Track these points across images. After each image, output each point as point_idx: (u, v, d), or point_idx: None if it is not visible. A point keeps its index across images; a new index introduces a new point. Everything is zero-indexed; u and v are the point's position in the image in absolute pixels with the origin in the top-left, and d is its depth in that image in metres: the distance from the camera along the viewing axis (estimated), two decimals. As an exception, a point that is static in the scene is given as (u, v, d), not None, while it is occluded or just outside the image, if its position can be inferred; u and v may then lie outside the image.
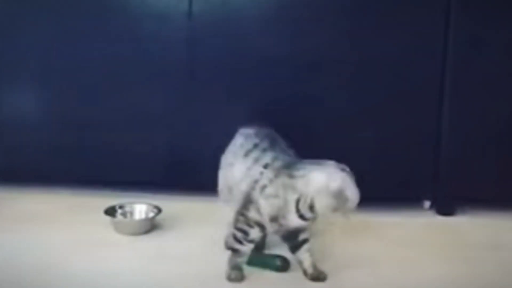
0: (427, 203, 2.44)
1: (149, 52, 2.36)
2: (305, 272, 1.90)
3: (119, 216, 2.23)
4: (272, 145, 1.90)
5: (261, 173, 1.83)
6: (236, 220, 1.86)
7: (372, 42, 2.30)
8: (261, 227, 1.85)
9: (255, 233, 1.86)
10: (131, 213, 2.26)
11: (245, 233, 1.85)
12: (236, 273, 1.88)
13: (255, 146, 1.89)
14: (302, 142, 2.33)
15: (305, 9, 2.30)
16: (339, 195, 1.75)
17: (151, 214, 2.23)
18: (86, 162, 2.46)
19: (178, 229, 2.19)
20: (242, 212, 1.85)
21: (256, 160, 1.86)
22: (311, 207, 1.78)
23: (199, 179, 2.30)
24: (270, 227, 1.85)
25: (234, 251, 1.88)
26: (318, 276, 1.89)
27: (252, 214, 1.84)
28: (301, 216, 1.80)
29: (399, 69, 2.31)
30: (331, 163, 1.80)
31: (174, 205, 2.05)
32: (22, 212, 2.33)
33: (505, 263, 2.04)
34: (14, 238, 2.09)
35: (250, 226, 1.85)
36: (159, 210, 2.23)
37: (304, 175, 1.79)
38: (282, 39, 2.33)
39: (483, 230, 2.27)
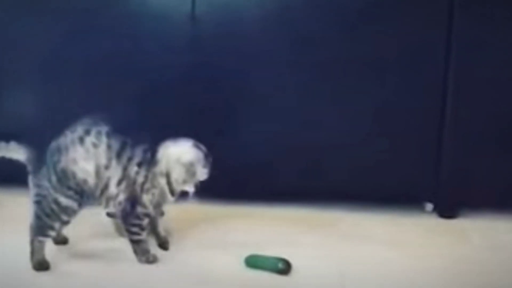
0: (429, 206, 2.44)
1: (151, 54, 2.37)
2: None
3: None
4: (135, 139, 1.95)
5: (137, 173, 1.92)
6: (130, 225, 1.96)
7: (374, 44, 2.30)
8: (148, 216, 1.96)
9: (145, 222, 1.97)
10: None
11: (138, 226, 1.96)
12: (152, 255, 1.98)
13: (125, 144, 1.92)
14: (302, 141, 2.35)
15: (308, 11, 2.30)
16: (190, 168, 1.92)
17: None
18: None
19: (179, 231, 2.19)
20: (131, 213, 1.95)
21: (130, 159, 1.92)
22: (168, 180, 1.92)
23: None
24: (154, 213, 2.00)
25: (137, 242, 1.97)
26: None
27: (139, 210, 1.94)
28: (172, 193, 1.96)
29: (402, 71, 2.31)
30: (186, 140, 1.94)
31: (175, 208, 2.06)
32: (22, 213, 2.33)
33: (506, 264, 2.03)
34: (14, 239, 2.09)
35: (141, 219, 1.95)
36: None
37: (163, 154, 1.92)
38: (284, 40, 2.33)
39: (484, 232, 2.26)
